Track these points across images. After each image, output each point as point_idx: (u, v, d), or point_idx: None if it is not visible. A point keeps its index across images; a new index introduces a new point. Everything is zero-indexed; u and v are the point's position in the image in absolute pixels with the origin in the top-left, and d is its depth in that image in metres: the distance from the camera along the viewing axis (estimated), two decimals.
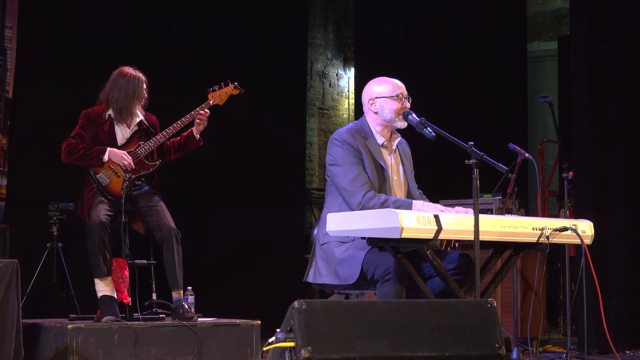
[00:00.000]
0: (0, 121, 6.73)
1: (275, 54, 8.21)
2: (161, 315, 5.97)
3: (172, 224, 5.86)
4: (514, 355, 5.83)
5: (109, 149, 5.84)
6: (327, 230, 4.49)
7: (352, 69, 10.47)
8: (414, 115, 4.66)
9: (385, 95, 4.74)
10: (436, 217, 4.22)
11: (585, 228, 4.70)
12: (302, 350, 3.43)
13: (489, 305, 3.82)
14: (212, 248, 7.74)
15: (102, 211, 5.73)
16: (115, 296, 5.74)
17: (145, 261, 6.13)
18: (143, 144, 5.95)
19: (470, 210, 4.37)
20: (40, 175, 6.76)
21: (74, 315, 5.92)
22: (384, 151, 4.79)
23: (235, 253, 7.87)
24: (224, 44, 7.88)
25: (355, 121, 4.90)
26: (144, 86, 5.98)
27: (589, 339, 5.89)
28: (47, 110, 6.86)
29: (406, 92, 4.78)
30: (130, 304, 5.76)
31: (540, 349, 6.68)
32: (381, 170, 4.70)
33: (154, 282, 6.17)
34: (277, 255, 8.03)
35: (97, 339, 5.38)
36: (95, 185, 5.83)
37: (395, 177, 4.79)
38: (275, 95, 8.13)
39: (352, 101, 10.48)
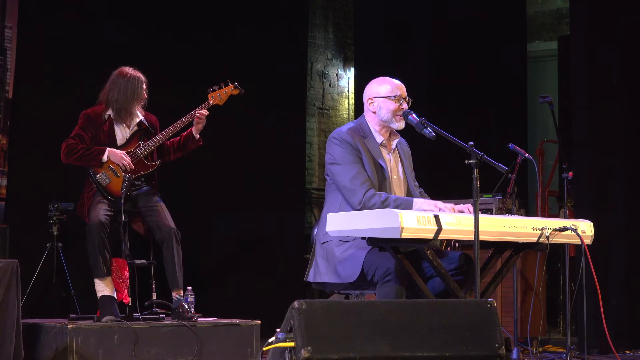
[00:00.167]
0: (0, 121, 6.73)
1: (275, 54, 8.21)
2: (161, 315, 5.97)
3: (172, 224, 5.86)
4: (514, 355, 5.83)
5: (108, 149, 5.84)
6: (327, 230, 4.49)
7: (352, 69, 10.47)
8: (414, 115, 4.66)
9: (383, 95, 4.75)
10: (436, 217, 4.22)
11: (585, 228, 4.70)
12: (302, 350, 3.43)
13: (489, 305, 3.82)
14: (212, 248, 7.74)
15: (102, 211, 5.73)
16: (115, 296, 5.74)
17: (145, 261, 6.13)
18: (143, 144, 5.94)
19: (471, 206, 4.38)
20: (40, 175, 6.76)
21: (74, 315, 5.92)
22: (383, 150, 4.79)
23: (235, 253, 7.87)
24: (224, 43, 7.88)
25: (355, 120, 4.91)
26: (144, 86, 5.98)
27: (589, 339, 5.89)
28: (47, 110, 6.86)
29: (406, 93, 4.78)
30: (130, 304, 5.76)
31: (540, 349, 6.68)
32: (380, 169, 4.70)
33: (154, 282, 6.17)
34: (277, 255, 8.03)
35: (97, 339, 5.38)
36: (94, 185, 5.83)
37: (394, 176, 4.80)
38: (275, 95, 8.13)
39: (352, 101, 10.48)
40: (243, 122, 7.85)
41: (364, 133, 4.76)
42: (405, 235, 4.13)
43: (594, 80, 6.85)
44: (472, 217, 4.22)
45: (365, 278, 4.49)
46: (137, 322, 5.62)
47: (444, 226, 4.21)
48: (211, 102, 6.05)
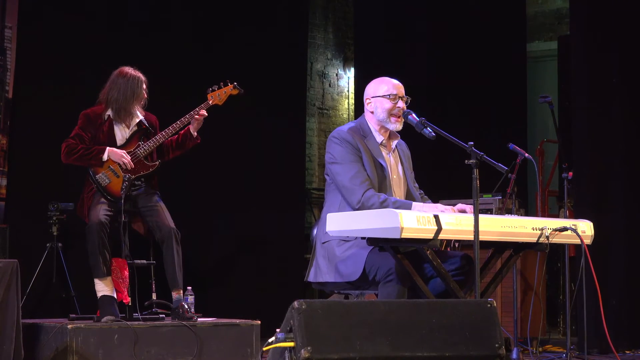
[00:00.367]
0: (0, 121, 6.73)
1: (275, 54, 8.21)
2: (161, 315, 5.97)
3: (172, 224, 5.86)
4: (514, 355, 5.83)
5: (108, 148, 5.84)
6: (326, 230, 4.49)
7: (352, 69, 10.47)
8: (413, 115, 4.66)
9: (379, 95, 4.77)
10: (436, 217, 4.22)
11: (585, 228, 4.70)
12: (302, 350, 3.43)
13: (489, 305, 3.82)
14: (212, 248, 7.74)
15: (102, 211, 5.73)
16: (115, 296, 5.74)
17: (145, 261, 6.13)
18: (142, 144, 5.94)
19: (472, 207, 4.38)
20: (40, 175, 6.76)
21: (74, 315, 5.92)
22: (383, 150, 4.80)
23: (235, 253, 7.87)
24: (223, 43, 7.88)
25: (355, 120, 4.92)
26: (144, 86, 5.98)
27: (589, 339, 5.89)
28: (47, 110, 6.85)
29: (403, 92, 4.78)
30: (130, 304, 5.76)
31: (540, 349, 6.68)
32: (380, 168, 4.70)
33: (153, 282, 6.17)
34: (277, 255, 8.03)
35: (97, 339, 5.38)
36: (94, 185, 5.83)
37: (394, 176, 4.80)
38: (275, 95, 8.13)
39: (352, 101, 10.48)
40: (243, 122, 7.85)
41: (364, 132, 4.77)
42: (405, 235, 4.13)
43: (594, 80, 6.85)
44: (472, 217, 4.22)
45: (366, 277, 4.49)
46: (137, 322, 5.62)
47: (444, 226, 4.21)
48: (210, 102, 6.05)
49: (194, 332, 5.65)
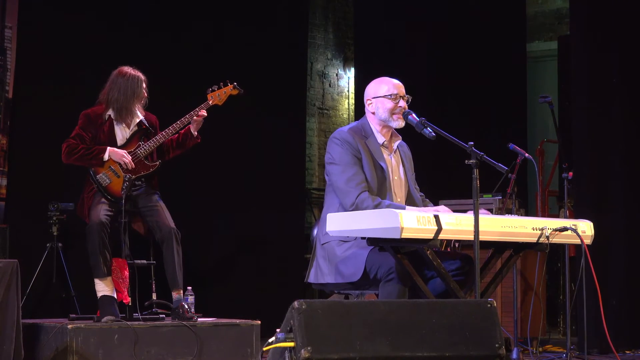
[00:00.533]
0: (0, 121, 6.73)
1: (275, 54, 8.21)
2: (161, 315, 5.97)
3: (172, 224, 5.86)
4: (514, 355, 5.83)
5: (109, 148, 5.84)
6: (327, 230, 4.49)
7: (352, 69, 10.47)
8: (413, 115, 4.66)
9: (380, 95, 4.76)
10: (436, 217, 4.22)
11: (585, 228, 4.70)
12: (302, 350, 3.43)
13: (489, 305, 3.82)
14: (212, 248, 7.74)
15: (102, 211, 5.73)
16: (115, 296, 5.74)
17: (145, 261, 6.13)
18: (143, 144, 5.94)
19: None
20: (40, 175, 6.76)
21: (74, 315, 5.92)
22: (384, 151, 4.79)
23: (235, 253, 7.87)
24: (224, 43, 7.88)
25: (357, 121, 4.91)
26: (144, 86, 5.98)
27: (589, 339, 5.89)
28: (47, 110, 6.86)
29: (404, 92, 4.78)
30: (130, 304, 5.76)
31: (540, 349, 6.68)
32: (381, 170, 4.70)
33: (154, 282, 6.17)
34: (277, 255, 8.03)
35: (97, 339, 5.38)
36: (95, 185, 5.83)
37: (395, 177, 4.79)
38: (275, 95, 8.13)
39: (352, 101, 10.48)
40: (243, 122, 7.85)
41: (365, 133, 4.76)
42: (405, 235, 4.13)
43: (594, 80, 6.85)
44: (472, 217, 4.22)
45: (367, 277, 4.49)
46: (137, 322, 5.62)
47: (444, 226, 4.21)
48: (210, 102, 6.04)
49: (194, 332, 5.65)
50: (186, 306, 5.80)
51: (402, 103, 4.75)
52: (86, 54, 7.02)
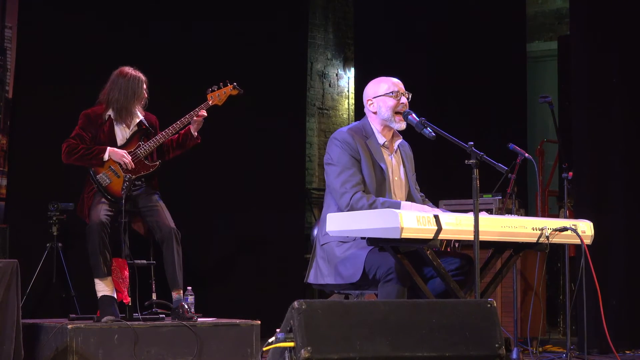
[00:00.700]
0: (0, 121, 6.73)
1: (275, 54, 8.21)
2: (161, 315, 5.97)
3: (172, 224, 5.86)
4: (514, 355, 5.83)
5: (109, 148, 5.84)
6: (327, 230, 4.48)
7: (352, 69, 10.47)
8: (413, 115, 4.66)
9: (381, 94, 4.76)
10: (436, 217, 4.22)
11: (585, 228, 4.70)
12: (302, 350, 3.43)
13: (489, 305, 3.82)
14: (212, 248, 7.74)
15: (102, 211, 5.73)
16: (115, 296, 5.74)
17: (145, 261, 6.13)
18: (143, 144, 5.94)
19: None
20: (40, 175, 6.76)
21: (74, 315, 5.92)
22: (385, 151, 4.79)
23: (235, 253, 7.87)
24: (224, 44, 7.88)
25: (358, 121, 4.91)
26: (144, 86, 5.98)
27: (589, 339, 5.88)
28: (47, 110, 6.86)
29: (403, 89, 4.78)
30: (130, 304, 5.76)
31: (540, 349, 6.68)
32: (380, 171, 4.69)
33: (154, 282, 6.17)
34: (277, 255, 8.03)
35: (97, 339, 5.38)
36: (95, 185, 5.83)
37: (396, 178, 4.79)
38: (275, 95, 8.13)
39: (352, 101, 10.48)
40: (243, 122, 7.85)
41: (366, 133, 4.76)
42: (405, 235, 4.12)
43: (594, 80, 6.84)
44: (472, 217, 4.22)
45: (367, 277, 4.49)
46: (137, 322, 5.62)
47: (444, 226, 4.21)
48: (210, 102, 6.04)
49: (194, 332, 5.65)
50: (186, 306, 5.80)
51: (404, 99, 4.75)
52: (86, 54, 7.02)
